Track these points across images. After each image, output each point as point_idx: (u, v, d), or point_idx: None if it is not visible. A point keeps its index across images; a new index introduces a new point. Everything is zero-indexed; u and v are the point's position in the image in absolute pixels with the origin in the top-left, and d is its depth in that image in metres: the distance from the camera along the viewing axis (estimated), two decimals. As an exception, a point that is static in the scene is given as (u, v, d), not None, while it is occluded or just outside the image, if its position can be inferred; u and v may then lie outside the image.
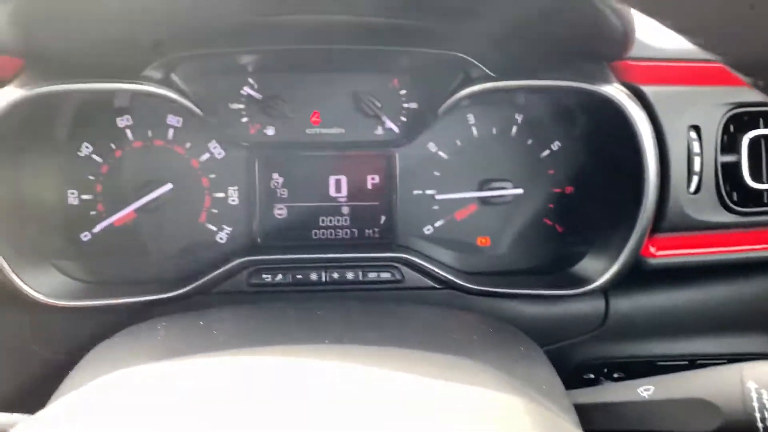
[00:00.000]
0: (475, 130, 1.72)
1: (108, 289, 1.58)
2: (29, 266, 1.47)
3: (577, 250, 1.64)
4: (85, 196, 1.66)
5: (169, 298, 1.52)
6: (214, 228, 1.70)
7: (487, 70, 1.54)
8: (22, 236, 1.49)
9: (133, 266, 1.66)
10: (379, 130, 1.72)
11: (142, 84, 1.48)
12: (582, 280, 1.55)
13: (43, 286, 1.48)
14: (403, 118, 1.70)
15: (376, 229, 1.72)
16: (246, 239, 1.68)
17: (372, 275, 1.60)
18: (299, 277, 1.58)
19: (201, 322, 1.19)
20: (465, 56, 1.53)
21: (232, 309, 1.34)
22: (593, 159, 1.65)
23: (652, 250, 1.53)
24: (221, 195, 1.70)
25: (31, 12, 1.18)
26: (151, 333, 1.17)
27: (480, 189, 1.70)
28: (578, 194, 1.71)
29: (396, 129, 1.70)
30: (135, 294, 1.52)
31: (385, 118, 1.69)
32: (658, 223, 1.48)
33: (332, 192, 1.70)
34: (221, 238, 1.71)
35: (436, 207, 1.73)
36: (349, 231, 1.70)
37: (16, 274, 1.42)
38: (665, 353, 1.58)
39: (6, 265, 1.41)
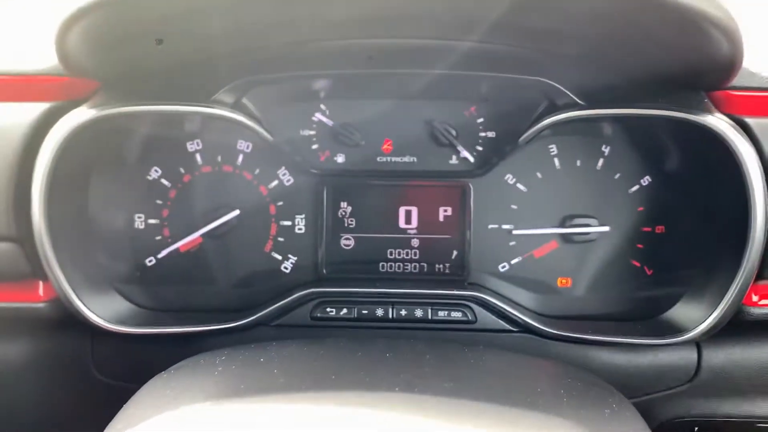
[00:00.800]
0: (557, 162, 1.66)
1: (169, 316, 1.58)
2: (93, 291, 1.47)
3: (669, 295, 1.55)
4: (151, 221, 1.66)
5: (230, 328, 1.51)
6: (279, 257, 1.68)
7: (574, 98, 1.49)
8: (87, 260, 1.50)
9: (196, 294, 1.65)
10: (454, 160, 1.68)
11: (213, 108, 1.46)
12: (674, 329, 1.45)
13: (105, 311, 1.47)
14: (480, 148, 1.66)
15: (447, 265, 1.67)
16: (311, 270, 1.67)
17: (442, 314, 1.55)
18: (364, 312, 1.54)
19: (261, 359, 1.14)
20: (551, 82, 1.48)
21: (295, 345, 1.28)
22: (688, 196, 1.56)
23: (755, 298, 1.43)
24: (288, 223, 1.68)
25: (104, 33, 1.18)
26: (209, 368, 1.12)
27: (562, 225, 1.64)
28: (670, 234, 1.62)
29: (471, 159, 1.67)
30: (196, 323, 1.51)
31: (460, 147, 1.65)
32: (764, 270, 1.37)
33: (402, 223, 1.66)
34: (286, 268, 1.69)
35: (512, 243, 1.68)
36: (418, 265, 1.67)
37: (80, 299, 1.41)
38: (765, 414, 1.48)
39: (69, 289, 1.40)
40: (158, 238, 1.67)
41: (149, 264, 1.67)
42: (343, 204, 1.67)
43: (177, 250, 1.66)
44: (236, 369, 1.11)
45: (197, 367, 1.14)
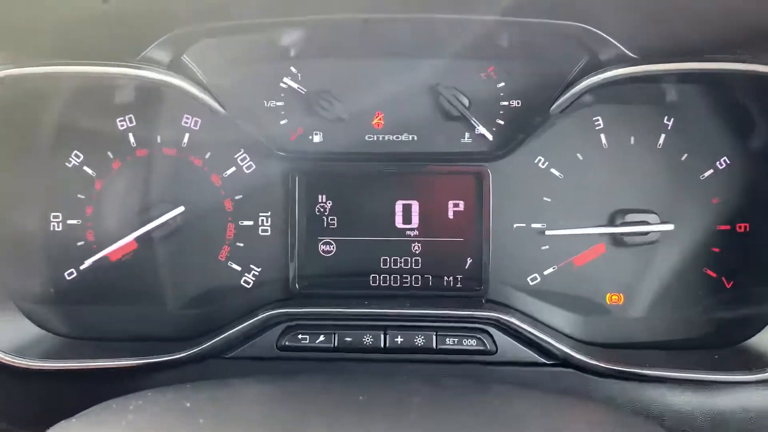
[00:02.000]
0: (604, 139, 1.61)
1: (93, 346, 1.53)
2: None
3: (755, 315, 1.51)
4: (71, 221, 1.63)
5: (172, 362, 1.47)
6: (237, 268, 1.64)
7: (625, 50, 1.43)
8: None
9: (128, 317, 1.61)
10: (466, 138, 1.64)
11: (141, 68, 1.42)
12: (762, 361, 1.42)
13: (8, 340, 1.44)
14: (501, 121, 1.62)
15: (459, 277, 1.61)
16: (279, 285, 1.62)
17: (451, 342, 1.50)
18: (348, 339, 1.49)
19: (189, 404, 1.07)
20: (594, 29, 1.41)
21: (240, 386, 1.24)
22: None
23: None
24: (249, 223, 1.64)
25: None
26: (117, 417, 1.05)
27: (611, 223, 1.60)
28: (756, 233, 1.57)
29: (490, 136, 1.62)
30: (128, 355, 1.46)
31: (474, 121, 1.61)
32: None
33: (399, 223, 1.61)
34: (247, 282, 1.64)
35: (545, 247, 1.63)
36: (420, 278, 1.62)
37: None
38: None
39: None
40: (80, 243, 1.63)
41: (69, 278, 1.63)
42: (322, 198, 1.62)
43: (105, 259, 1.61)
44: (150, 419, 1.04)
45: (103, 415, 1.08)
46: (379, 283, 1.63)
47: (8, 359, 1.41)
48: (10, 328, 1.48)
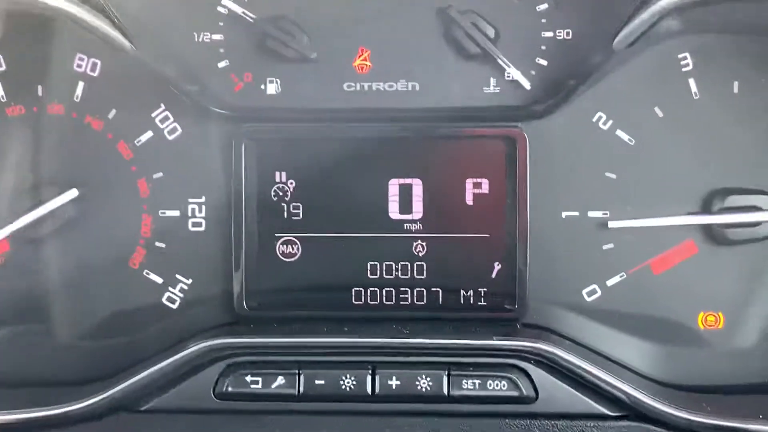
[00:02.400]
0: (694, 86, 1.51)
1: None
2: None
3: None
4: None
5: (64, 417, 1.38)
6: (157, 279, 1.54)
7: None
8: None
9: (2, 350, 1.55)
10: (492, 87, 1.50)
11: None
12: None
13: None
14: (542, 61, 1.51)
15: (483, 291, 1.51)
16: (219, 304, 1.54)
17: (471, 386, 1.40)
18: (319, 383, 1.41)
19: None
20: None
21: None
22: None
23: None
24: (173, 214, 1.53)
25: None
26: None
27: (705, 210, 1.51)
28: None
29: (527, 83, 1.49)
30: (5, 406, 1.41)
31: (504, 61, 1.49)
32: None
33: (394, 212, 1.51)
34: (171, 300, 1.54)
35: (609, 246, 1.52)
36: (426, 292, 1.52)
37: None
38: None
39: None
40: (-72, 244, 1.52)
41: None
42: (280, 176, 1.52)
43: None
44: None
45: None
46: (365, 300, 1.53)
47: None
48: None
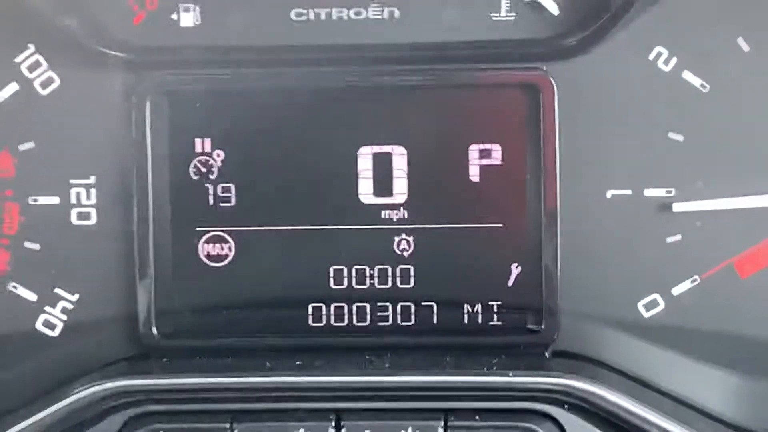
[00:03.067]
0: None
1: None
2: None
3: None
4: None
5: None
6: (28, 295, 1.32)
7: None
8: None
9: None
10: (503, 12, 1.30)
11: None
12: None
13: None
14: None
15: (496, 304, 1.30)
16: (118, 329, 1.33)
17: None
18: None
19: None
20: None
21: None
22: None
23: None
24: (50, 201, 1.31)
25: None
26: None
27: None
28: None
29: (554, 6, 1.29)
30: None
31: None
32: None
33: (366, 194, 1.29)
34: (49, 325, 1.33)
35: (675, 238, 1.30)
36: (413, 308, 1.31)
37: None
38: None
39: None
40: None
41: None
42: (203, 145, 1.29)
43: None
44: None
45: None
46: (327, 320, 1.30)
47: None
48: None
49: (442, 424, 1.20)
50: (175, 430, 1.21)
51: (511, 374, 1.20)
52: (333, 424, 1.20)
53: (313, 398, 1.21)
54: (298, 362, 1.24)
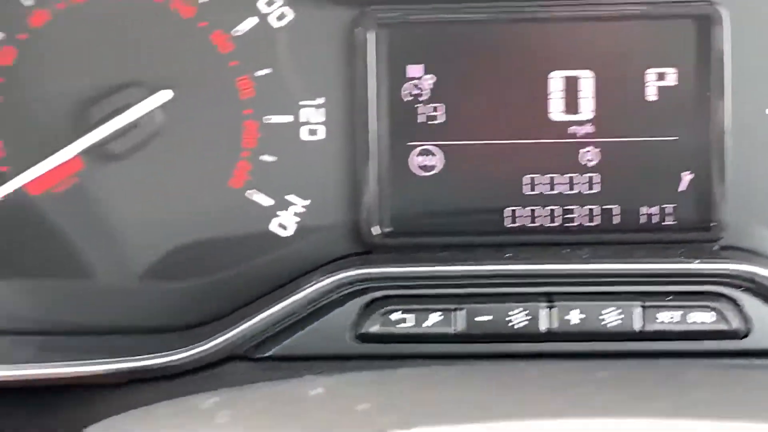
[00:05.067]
0: None
1: (23, 346, 1.39)
2: None
3: None
4: None
5: (165, 367, 1.30)
6: (265, 201, 1.43)
7: None
8: None
9: (78, 294, 1.44)
10: None
11: None
12: None
13: None
14: None
15: (670, 207, 1.39)
16: (344, 230, 1.44)
17: (666, 320, 1.28)
18: (484, 320, 1.29)
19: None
20: None
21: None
22: None
23: None
24: (283, 119, 1.41)
25: None
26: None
27: None
28: None
29: None
30: (87, 355, 1.33)
31: None
32: None
33: (557, 112, 1.38)
34: (282, 227, 1.44)
35: None
36: (599, 211, 1.40)
37: None
38: None
39: None
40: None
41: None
42: (415, 70, 1.39)
43: (22, 192, 1.40)
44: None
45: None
46: (521, 222, 1.41)
47: None
48: None
49: (641, 305, 1.29)
50: (410, 311, 1.31)
51: (697, 261, 1.29)
52: (547, 305, 1.30)
53: (525, 283, 1.31)
54: (508, 255, 1.35)
